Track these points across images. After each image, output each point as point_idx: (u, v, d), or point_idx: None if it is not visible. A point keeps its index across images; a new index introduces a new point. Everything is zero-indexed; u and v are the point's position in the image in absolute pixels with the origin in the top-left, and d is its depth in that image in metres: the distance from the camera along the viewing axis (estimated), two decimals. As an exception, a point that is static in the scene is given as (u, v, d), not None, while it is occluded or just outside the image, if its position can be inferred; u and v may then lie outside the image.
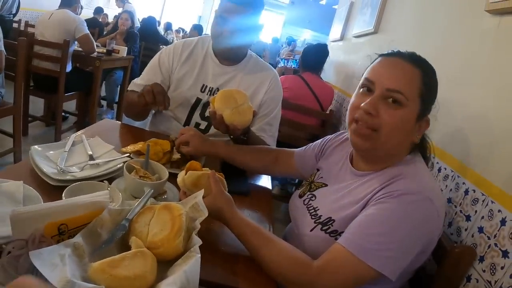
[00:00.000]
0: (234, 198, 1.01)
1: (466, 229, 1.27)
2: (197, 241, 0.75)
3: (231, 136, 1.56)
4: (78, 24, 3.71)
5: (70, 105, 4.42)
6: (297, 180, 3.36)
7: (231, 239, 0.98)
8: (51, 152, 1.20)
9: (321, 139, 1.38)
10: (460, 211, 1.32)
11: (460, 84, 1.57)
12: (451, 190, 1.41)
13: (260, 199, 1.34)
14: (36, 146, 1.18)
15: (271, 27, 16.07)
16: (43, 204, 0.85)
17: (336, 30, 4.78)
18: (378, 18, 3.05)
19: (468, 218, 1.27)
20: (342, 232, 0.95)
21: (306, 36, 11.59)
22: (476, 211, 1.24)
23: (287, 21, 11.14)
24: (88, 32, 3.79)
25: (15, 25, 5.70)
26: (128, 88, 1.79)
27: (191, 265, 0.69)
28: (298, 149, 1.45)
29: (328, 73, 4.06)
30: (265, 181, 1.54)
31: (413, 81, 0.97)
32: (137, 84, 1.74)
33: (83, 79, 3.92)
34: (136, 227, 0.79)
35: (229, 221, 0.96)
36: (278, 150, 1.49)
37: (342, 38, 4.40)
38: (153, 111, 1.84)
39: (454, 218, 1.35)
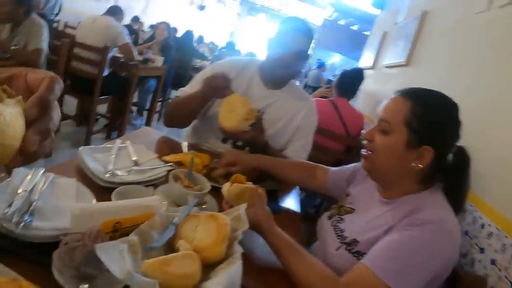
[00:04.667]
0: None
1: (479, 261, 1.34)
2: (239, 249, 0.81)
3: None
4: (120, 32, 3.87)
5: (102, 108, 4.55)
6: (317, 202, 3.38)
7: (267, 252, 1.04)
8: (99, 154, 1.26)
9: (354, 164, 1.45)
10: (476, 243, 1.38)
11: (489, 126, 1.62)
12: (468, 223, 1.47)
13: (289, 218, 1.40)
14: (86, 147, 1.24)
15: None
16: (101, 203, 0.91)
17: (367, 58, 4.82)
18: (411, 51, 3.09)
19: (482, 250, 1.32)
20: (365, 253, 1.03)
21: (335, 60, 11.65)
22: (490, 244, 1.31)
23: (317, 44, 11.20)
24: (130, 40, 3.93)
25: (54, 25, 5.90)
26: (176, 94, 1.84)
27: (234, 269, 0.74)
28: (333, 168, 1.53)
29: (357, 100, 4.10)
30: (293, 202, 1.60)
31: (399, 111, 1.09)
32: (185, 91, 1.77)
33: (119, 84, 4.04)
34: (182, 232, 0.85)
35: (267, 233, 1.03)
36: (316, 165, 1.58)
37: (373, 66, 4.44)
38: (192, 123, 1.88)
39: (469, 249, 1.40)
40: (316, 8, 17.59)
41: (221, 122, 1.48)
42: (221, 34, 17.69)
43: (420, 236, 0.96)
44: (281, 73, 1.75)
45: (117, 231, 0.80)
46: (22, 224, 0.76)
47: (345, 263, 1.06)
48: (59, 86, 0.44)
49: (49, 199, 0.90)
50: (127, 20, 7.92)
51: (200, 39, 10.71)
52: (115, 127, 4.28)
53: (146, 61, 4.31)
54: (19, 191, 0.86)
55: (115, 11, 4.11)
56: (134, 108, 5.16)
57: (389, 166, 1.12)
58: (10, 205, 0.80)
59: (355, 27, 11.36)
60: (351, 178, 1.42)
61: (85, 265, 0.69)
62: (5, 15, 2.81)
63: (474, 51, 2.05)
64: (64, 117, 3.97)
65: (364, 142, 1.17)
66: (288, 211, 1.47)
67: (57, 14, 5.47)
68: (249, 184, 1.12)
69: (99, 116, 4.50)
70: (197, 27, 15.18)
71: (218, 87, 1.52)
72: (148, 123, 4.70)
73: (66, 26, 5.40)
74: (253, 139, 1.56)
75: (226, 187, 1.11)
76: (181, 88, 1.82)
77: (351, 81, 3.15)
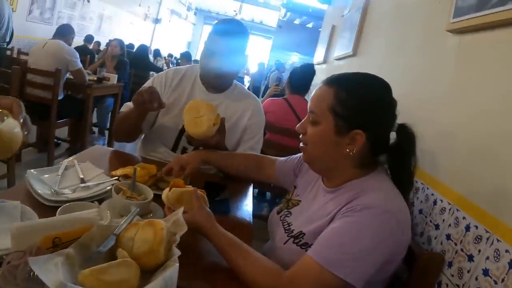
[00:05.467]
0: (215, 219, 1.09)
1: (435, 237, 1.36)
2: (176, 252, 0.84)
3: None
4: (71, 58, 3.83)
5: (63, 132, 4.48)
6: (269, 197, 3.47)
7: (213, 252, 1.05)
8: (46, 175, 1.28)
9: (299, 154, 1.43)
10: (430, 220, 1.41)
11: (428, 102, 1.68)
12: (421, 201, 1.51)
13: (240, 221, 1.38)
14: (32, 170, 1.26)
15: (260, 52, 16.39)
16: (39, 219, 0.93)
17: (319, 53, 4.92)
18: (356, 41, 3.19)
19: (437, 227, 1.36)
20: (312, 244, 1.03)
21: (294, 59, 11.80)
22: (443, 220, 1.33)
23: (275, 45, 11.31)
24: (81, 66, 3.92)
25: (8, 52, 5.78)
26: (121, 110, 1.86)
27: (169, 273, 0.77)
28: (280, 158, 1.54)
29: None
30: (245, 203, 1.56)
31: (324, 99, 1.10)
32: (129, 105, 1.78)
33: (75, 106, 4.01)
34: (123, 241, 0.87)
35: (208, 234, 1.04)
36: (262, 156, 1.61)
37: (325, 61, 4.53)
38: (142, 136, 1.91)
39: (425, 227, 1.44)
40: (270, 11, 17.77)
41: (189, 129, 1.48)
42: (178, 46, 17.64)
43: (360, 221, 0.97)
44: (212, 76, 1.78)
45: (58, 246, 0.82)
46: None
47: (293, 257, 1.03)
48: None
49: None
50: (79, 40, 7.83)
51: (157, 52, 10.65)
52: (77, 149, 4.23)
53: (100, 80, 4.28)
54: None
55: (64, 31, 4.07)
56: (96, 129, 5.11)
57: (324, 155, 1.13)
58: None
59: (310, 25, 11.52)
60: (297, 170, 1.44)
61: (27, 282, 0.71)
62: None
63: (410, 35, 2.14)
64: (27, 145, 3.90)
65: (299, 135, 1.19)
66: (239, 213, 1.44)
67: (8, 42, 5.35)
68: (188, 187, 1.13)
69: (59, 141, 4.44)
70: (154, 41, 15.11)
71: (144, 101, 1.52)
72: (110, 142, 4.66)
73: (19, 52, 5.32)
74: (218, 143, 1.58)
75: (165, 193, 1.11)
76: (126, 103, 1.85)
77: (302, 76, 3.21)
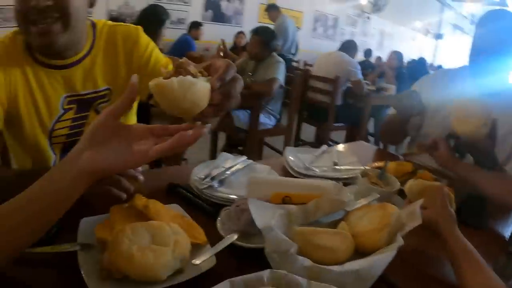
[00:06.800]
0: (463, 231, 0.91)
1: None
2: (399, 240, 0.73)
3: None
4: (352, 68, 4.02)
5: (339, 136, 4.73)
6: None
7: (437, 258, 0.92)
8: (303, 154, 1.39)
9: None
10: None
11: None
12: None
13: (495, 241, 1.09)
14: (291, 147, 1.40)
15: None
16: (277, 177, 0.99)
17: None
18: None
19: None
20: None
21: None
22: None
23: None
24: (361, 77, 4.07)
25: (295, 64, 6.58)
26: (387, 112, 1.83)
27: (380, 257, 0.68)
28: None
29: None
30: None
31: None
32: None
33: (352, 113, 4.16)
34: (349, 219, 0.83)
35: (444, 236, 0.88)
36: None
37: None
38: (407, 139, 1.83)
39: None
40: None
41: (454, 126, 1.32)
42: (463, 61, 16.16)
43: None
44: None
45: (286, 204, 0.85)
46: (209, 187, 0.99)
47: None
48: (233, 68, 0.63)
49: (239, 176, 1.09)
50: (360, 55, 8.18)
51: (437, 67, 10.05)
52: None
53: (378, 90, 4.33)
54: (219, 167, 1.10)
55: (348, 46, 4.31)
56: (372, 139, 5.16)
57: None
58: (207, 175, 1.04)
59: None
60: None
61: (247, 226, 0.77)
62: (254, 55, 3.43)
63: None
64: (302, 142, 4.35)
65: None
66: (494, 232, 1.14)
67: (294, 54, 6.10)
68: (435, 182, 1.01)
69: (332, 144, 4.71)
70: (438, 56, 14.37)
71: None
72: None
73: (305, 64, 5.97)
74: (485, 150, 1.31)
75: (409, 183, 1.04)
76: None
77: None
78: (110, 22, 1.16)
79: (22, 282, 0.65)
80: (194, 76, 0.58)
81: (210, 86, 0.59)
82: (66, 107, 1.10)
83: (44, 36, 0.94)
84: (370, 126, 4.82)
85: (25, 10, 0.92)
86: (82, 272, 0.61)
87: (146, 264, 0.59)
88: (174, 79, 0.56)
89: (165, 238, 0.64)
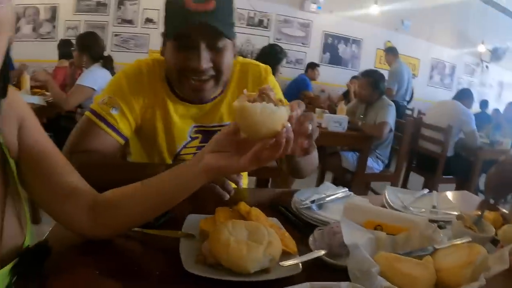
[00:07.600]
0: None
1: None
2: (481, 281, 0.70)
3: None
4: (466, 118, 3.81)
5: (448, 189, 4.42)
6: None
7: None
8: (403, 194, 1.37)
9: None
10: None
11: None
12: None
13: None
14: (392, 187, 1.40)
15: None
16: (372, 205, 1.01)
17: None
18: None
19: None
20: None
21: None
22: None
23: None
24: (475, 128, 3.83)
25: (409, 112, 6.35)
26: None
27: None
28: None
29: None
30: None
31: None
32: None
33: (463, 166, 3.92)
34: (437, 254, 0.81)
35: None
36: None
37: None
38: None
39: None
40: None
41: None
42: None
43: None
44: None
45: (377, 231, 0.86)
46: (307, 208, 1.05)
47: None
48: (303, 106, 0.70)
49: (337, 203, 1.12)
50: (475, 106, 7.62)
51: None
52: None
53: (493, 143, 4.02)
54: (320, 193, 1.16)
55: (463, 95, 4.11)
56: (481, 196, 4.77)
57: None
58: (307, 198, 1.10)
59: None
60: None
61: (337, 247, 0.80)
62: (364, 97, 3.45)
63: None
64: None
65: None
66: None
67: (408, 102, 5.91)
68: None
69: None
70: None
71: None
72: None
73: (419, 113, 5.74)
74: None
75: (503, 228, 1.00)
76: None
77: None
78: (241, 59, 1.28)
79: (130, 256, 0.79)
80: (275, 104, 0.63)
81: (288, 115, 0.64)
82: (193, 135, 1.23)
83: (198, 92, 1.09)
84: (481, 182, 4.46)
85: (184, 69, 1.05)
86: (181, 256, 0.71)
87: (238, 255, 0.66)
88: (258, 105, 0.62)
89: (260, 237, 0.71)
